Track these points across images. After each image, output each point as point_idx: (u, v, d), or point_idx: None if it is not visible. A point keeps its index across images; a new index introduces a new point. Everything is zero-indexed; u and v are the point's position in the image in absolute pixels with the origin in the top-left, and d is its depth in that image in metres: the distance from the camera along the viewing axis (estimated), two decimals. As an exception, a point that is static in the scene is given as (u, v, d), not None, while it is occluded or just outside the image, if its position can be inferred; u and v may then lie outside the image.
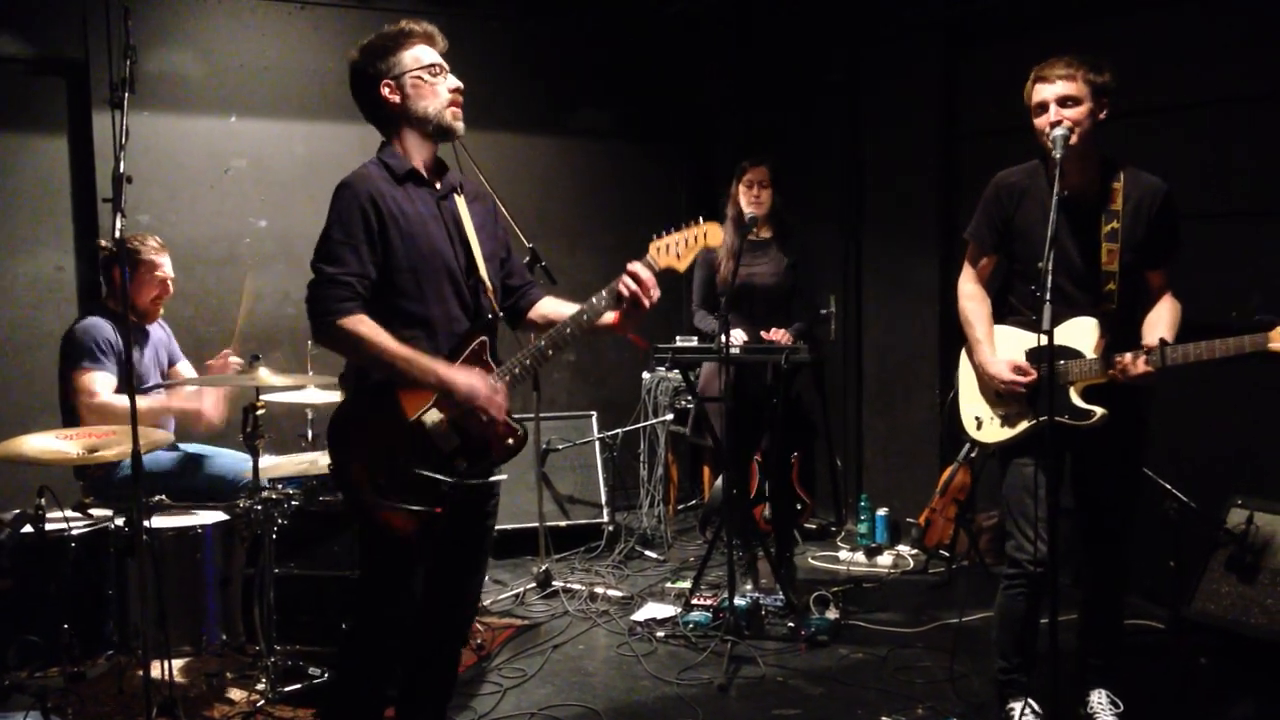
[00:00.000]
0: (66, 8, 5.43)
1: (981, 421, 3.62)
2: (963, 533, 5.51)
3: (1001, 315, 3.65)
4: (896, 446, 6.28)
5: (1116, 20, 4.93)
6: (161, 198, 5.71)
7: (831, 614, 4.74)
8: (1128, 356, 3.28)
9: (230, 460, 4.55)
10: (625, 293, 2.90)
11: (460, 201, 3.02)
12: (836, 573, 5.62)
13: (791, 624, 4.66)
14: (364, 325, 2.76)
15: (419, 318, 2.87)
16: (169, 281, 4.55)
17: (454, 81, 2.96)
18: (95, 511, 3.87)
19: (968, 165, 5.81)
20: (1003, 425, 3.56)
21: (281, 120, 5.98)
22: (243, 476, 4.27)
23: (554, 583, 5.24)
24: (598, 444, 6.31)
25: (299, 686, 3.85)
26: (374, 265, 2.82)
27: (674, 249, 2.99)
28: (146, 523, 3.57)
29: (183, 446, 4.57)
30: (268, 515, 3.89)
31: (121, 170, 2.96)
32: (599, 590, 5.22)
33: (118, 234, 2.95)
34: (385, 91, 2.94)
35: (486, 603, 4.97)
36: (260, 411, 3.91)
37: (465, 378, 2.79)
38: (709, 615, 4.69)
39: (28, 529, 3.60)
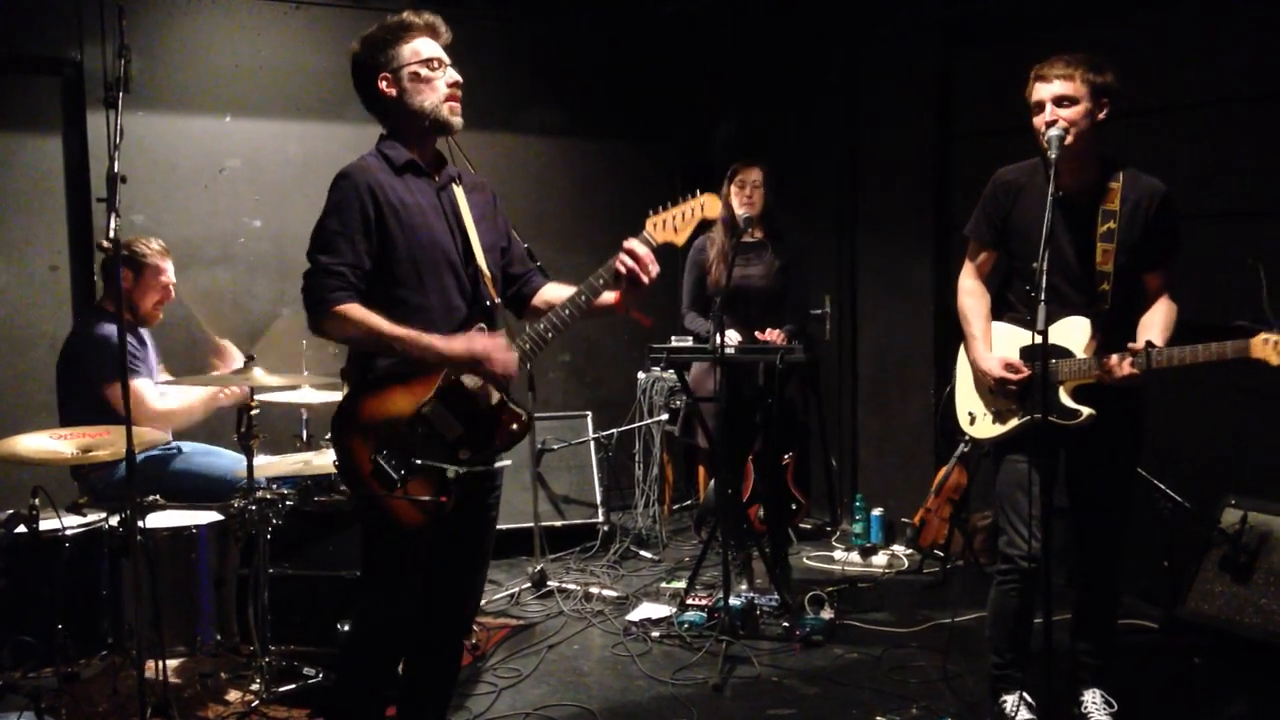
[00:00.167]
0: (61, 7, 5.42)
1: (975, 417, 3.65)
2: (957, 533, 5.52)
3: (1000, 312, 3.66)
4: (891, 446, 6.29)
5: (1115, 20, 4.93)
6: (156, 197, 5.70)
7: (826, 614, 4.74)
8: (1114, 358, 3.29)
9: (225, 460, 4.54)
10: (623, 270, 2.90)
11: (459, 192, 3.02)
12: (831, 572, 5.62)
13: (786, 624, 4.66)
14: (356, 311, 2.76)
15: (419, 308, 2.86)
16: (171, 286, 4.55)
17: (453, 76, 2.95)
18: (89, 511, 3.87)
19: (964, 166, 5.82)
20: (994, 421, 3.59)
21: (276, 120, 5.97)
22: (237, 476, 4.26)
23: (549, 583, 5.24)
24: (593, 444, 6.31)
25: (293, 687, 3.85)
26: (369, 256, 2.82)
27: (672, 223, 2.99)
28: (141, 523, 3.56)
29: (177, 446, 4.56)
30: (262, 515, 3.89)
31: (116, 170, 2.95)
32: (594, 590, 5.22)
33: (112, 234, 2.94)
34: (383, 85, 2.94)
35: (481, 603, 4.96)
36: (254, 411, 3.91)
37: (461, 340, 2.79)
38: (704, 615, 4.70)
39: (21, 529, 3.60)
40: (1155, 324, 3.40)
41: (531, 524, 5.48)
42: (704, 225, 3.10)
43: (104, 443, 3.86)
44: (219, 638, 3.95)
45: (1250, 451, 4.49)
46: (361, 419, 2.82)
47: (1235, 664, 4.14)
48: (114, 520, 3.76)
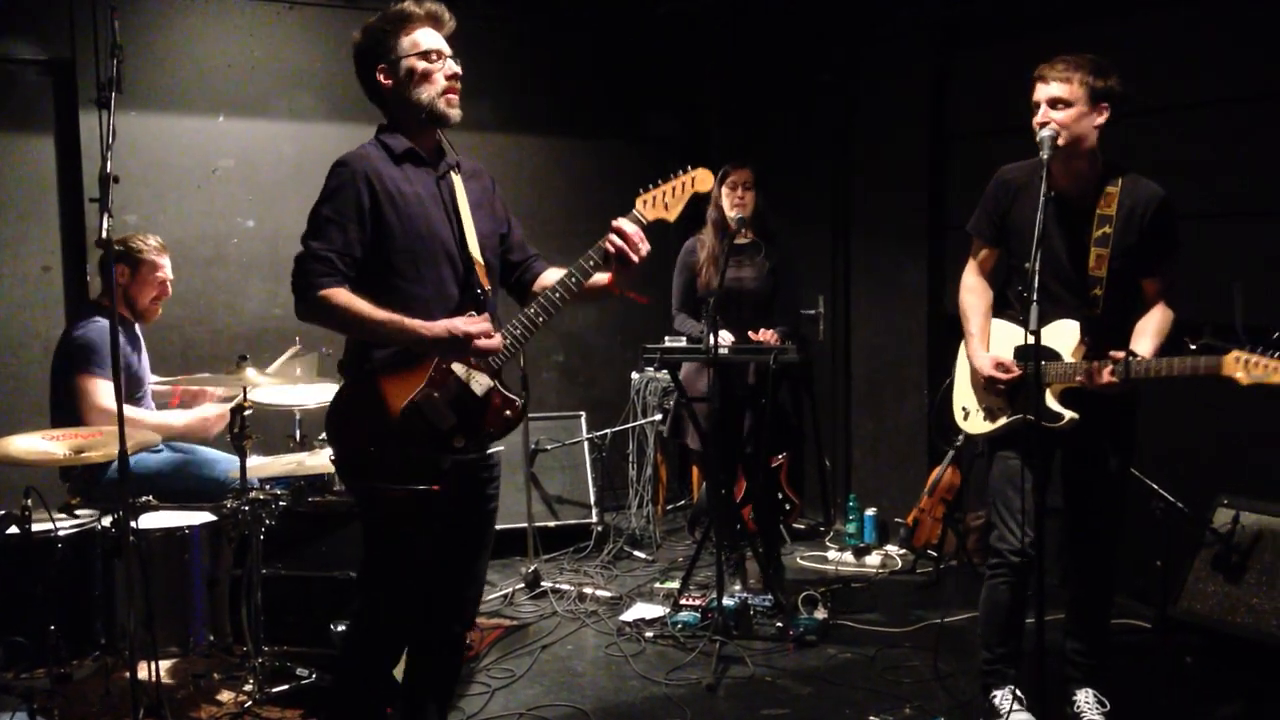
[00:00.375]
0: (53, 7, 5.41)
1: (968, 412, 3.69)
2: (950, 533, 5.53)
3: (1001, 309, 3.68)
4: (885, 447, 6.29)
5: (1114, 21, 4.92)
6: (149, 198, 5.69)
7: (820, 614, 4.74)
8: (1094, 365, 3.31)
9: (218, 461, 4.54)
10: (612, 249, 2.90)
11: (457, 180, 3.01)
12: (825, 573, 5.63)
13: (780, 624, 4.66)
14: (341, 296, 2.76)
15: (416, 298, 2.86)
16: (168, 283, 4.54)
17: (452, 68, 2.94)
18: (82, 512, 3.86)
19: (959, 166, 5.82)
20: (985, 419, 3.63)
21: (269, 120, 5.96)
22: (230, 477, 4.26)
23: (542, 583, 5.24)
24: (586, 444, 6.31)
25: (286, 687, 3.84)
26: (360, 244, 2.81)
27: (662, 199, 2.99)
28: (134, 523, 3.56)
29: (170, 447, 4.56)
30: (255, 516, 3.88)
31: (109, 170, 2.95)
32: (588, 590, 5.22)
33: (104, 234, 2.94)
34: (381, 76, 2.93)
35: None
36: (248, 412, 3.90)
37: (442, 322, 2.78)
38: (697, 615, 4.70)
39: (14, 530, 3.59)
40: (1148, 331, 3.41)
41: (525, 524, 5.48)
42: (697, 199, 3.07)
43: (96, 443, 3.85)
44: (212, 638, 3.94)
45: (1242, 451, 4.50)
46: (356, 410, 2.82)
47: (1228, 663, 4.15)
48: (106, 521, 3.76)
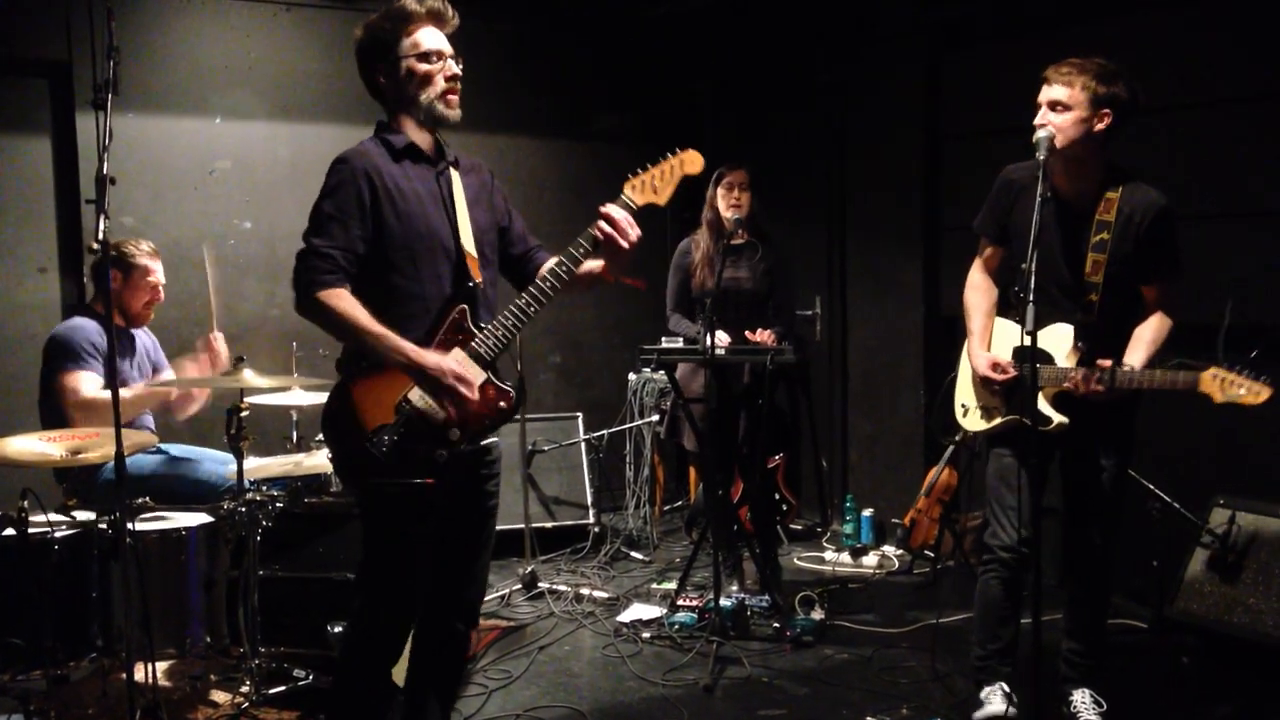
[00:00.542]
0: (49, 9, 5.41)
1: (967, 409, 3.72)
2: (947, 533, 5.53)
3: (1005, 308, 3.70)
4: (882, 447, 6.30)
5: (1110, 21, 4.93)
6: (145, 199, 5.69)
7: (817, 614, 4.75)
8: (1081, 373, 3.33)
9: (214, 462, 4.54)
10: (600, 236, 2.89)
11: (455, 176, 3.01)
12: (822, 573, 5.63)
13: (777, 624, 4.66)
14: (341, 300, 2.75)
15: (415, 295, 2.87)
16: (160, 287, 4.54)
17: (452, 69, 2.93)
18: (79, 514, 3.85)
19: (954, 166, 5.83)
20: (981, 417, 3.67)
21: (266, 122, 5.97)
22: (227, 478, 4.26)
23: (540, 584, 5.24)
24: (583, 445, 6.31)
25: (283, 689, 3.84)
26: (363, 241, 2.81)
27: (651, 183, 2.98)
28: (130, 525, 3.56)
29: (166, 448, 4.56)
30: (252, 517, 3.88)
31: (105, 172, 2.95)
32: (585, 591, 5.22)
33: (101, 236, 2.94)
34: (381, 75, 2.93)
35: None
36: (244, 413, 3.90)
37: (434, 358, 2.77)
38: (694, 616, 4.70)
39: (10, 531, 3.58)
40: (1143, 340, 3.42)
41: (522, 525, 5.48)
42: (687, 181, 3.06)
43: (93, 445, 3.85)
44: (209, 640, 3.94)
45: (1239, 452, 4.51)
46: (351, 407, 2.82)
47: (1224, 663, 4.16)
48: (103, 523, 3.75)
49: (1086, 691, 3.66)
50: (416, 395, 2.80)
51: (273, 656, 3.94)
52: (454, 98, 2.95)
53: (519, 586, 5.23)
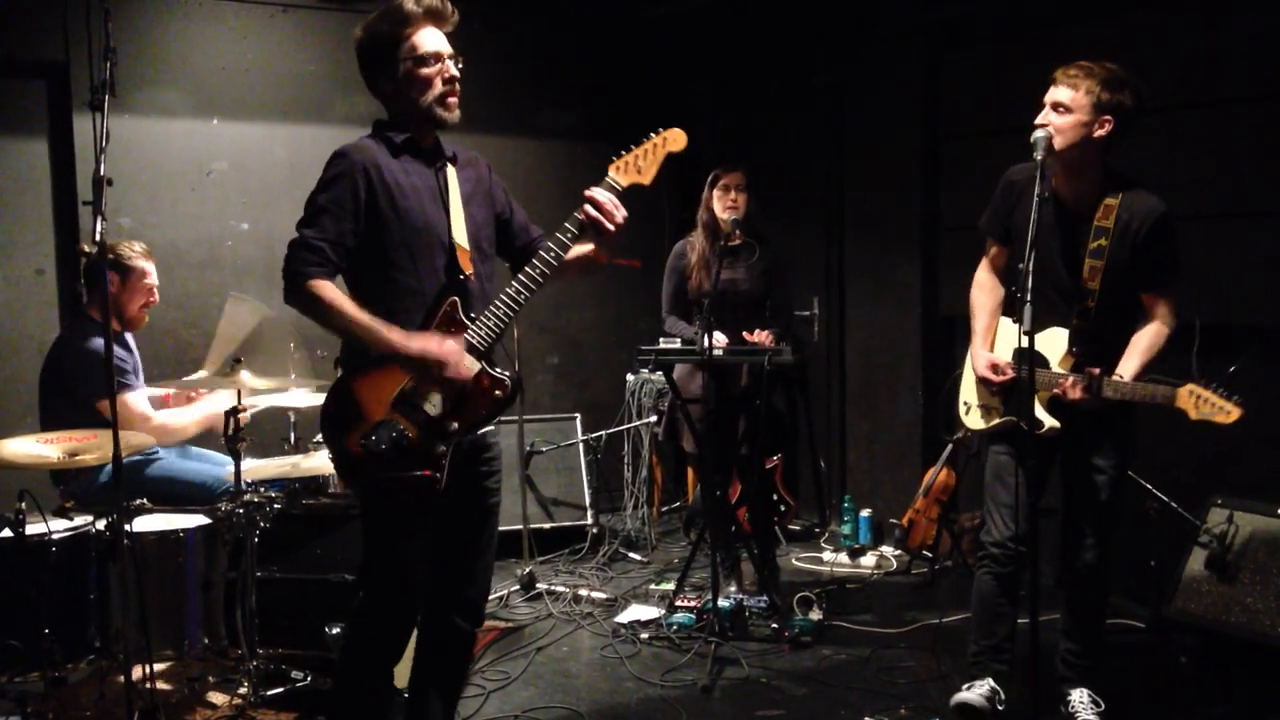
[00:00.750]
0: (46, 10, 5.40)
1: (969, 407, 3.75)
2: (945, 533, 5.53)
3: (1008, 308, 3.71)
4: (880, 448, 6.30)
5: (1108, 21, 4.93)
6: (142, 200, 5.68)
7: (815, 615, 4.75)
8: (1070, 379, 3.34)
9: (212, 464, 4.53)
10: (585, 219, 2.91)
11: (451, 172, 3.01)
12: (820, 574, 5.63)
13: (775, 625, 4.66)
14: (327, 290, 2.76)
15: (412, 290, 2.87)
16: (155, 289, 4.54)
17: (451, 70, 2.93)
18: (76, 516, 3.85)
19: (952, 167, 5.83)
20: (982, 416, 3.70)
21: (263, 123, 5.96)
22: (224, 480, 4.25)
23: (538, 585, 5.23)
24: (582, 446, 6.31)
25: (281, 690, 3.83)
26: (353, 235, 2.82)
27: (635, 164, 3.00)
28: (128, 526, 3.56)
29: (164, 450, 4.55)
30: (250, 519, 3.87)
31: (102, 173, 2.95)
32: (583, 592, 5.22)
33: (98, 237, 2.94)
34: (379, 77, 2.94)
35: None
36: (242, 414, 3.90)
37: (419, 341, 2.77)
38: (693, 617, 4.70)
39: (8, 533, 3.58)
40: (1137, 348, 3.43)
41: (520, 526, 5.48)
42: (671, 159, 3.06)
43: (90, 447, 3.85)
44: (206, 641, 3.94)
45: (1236, 452, 4.51)
46: (348, 405, 2.82)
47: (1221, 663, 4.16)
48: (101, 524, 3.75)
49: (1084, 691, 3.67)
50: (412, 389, 2.81)
51: (271, 658, 3.94)
52: (453, 100, 2.95)
53: (517, 587, 5.22)
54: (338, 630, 3.80)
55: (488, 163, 3.19)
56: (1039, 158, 3.25)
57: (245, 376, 4.01)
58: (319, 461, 4.25)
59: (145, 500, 3.91)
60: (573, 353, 6.93)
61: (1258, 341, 4.38)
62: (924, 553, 5.57)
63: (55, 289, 5.63)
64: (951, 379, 3.90)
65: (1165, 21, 4.76)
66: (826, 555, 5.92)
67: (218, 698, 3.89)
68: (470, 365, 2.83)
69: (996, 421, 3.63)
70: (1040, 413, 3.45)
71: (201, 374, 4.63)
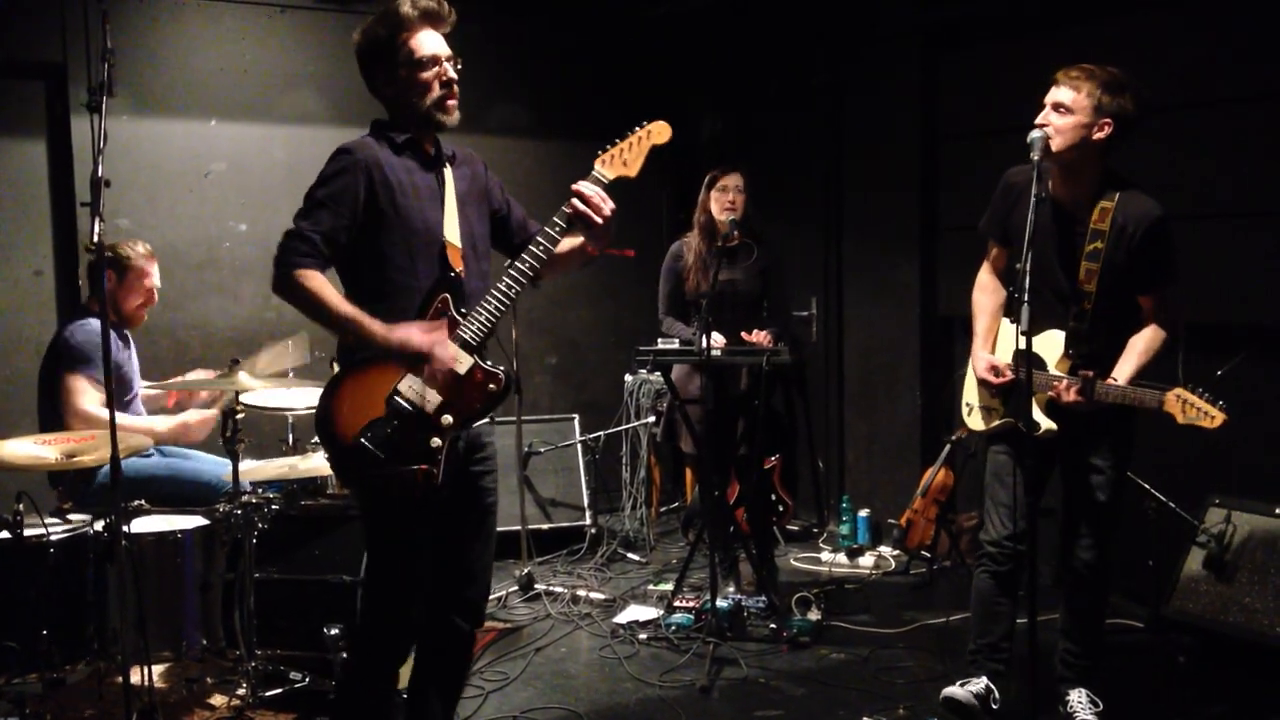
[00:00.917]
0: (44, 11, 5.41)
1: (971, 408, 3.77)
2: (944, 534, 5.54)
3: (1009, 310, 3.72)
4: (878, 448, 6.30)
5: (1106, 21, 4.93)
6: (140, 201, 5.68)
7: (813, 615, 4.75)
8: (1065, 381, 3.35)
9: (210, 465, 4.53)
10: (574, 213, 2.93)
11: (448, 172, 3.02)
12: (818, 574, 5.63)
13: (773, 625, 4.67)
14: (314, 280, 2.78)
15: (409, 288, 2.89)
16: (155, 290, 4.54)
17: (449, 73, 2.94)
18: (74, 517, 3.85)
19: (950, 167, 5.83)
20: (983, 418, 3.72)
21: (261, 124, 5.96)
22: (223, 481, 4.25)
23: (536, 586, 5.23)
24: (580, 447, 6.31)
25: (279, 691, 3.83)
26: (347, 231, 2.83)
27: (621, 157, 3.02)
28: (126, 528, 3.56)
29: (162, 451, 4.55)
30: (248, 520, 3.88)
31: (100, 174, 2.95)
32: (581, 593, 5.22)
33: (95, 238, 2.94)
34: (378, 81, 2.95)
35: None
36: (240, 415, 3.90)
37: (400, 333, 2.78)
38: (691, 617, 4.70)
39: (5, 535, 3.58)
40: (1134, 351, 3.44)
41: (519, 527, 5.48)
42: (656, 152, 3.08)
43: (88, 448, 3.85)
44: (205, 643, 3.94)
45: (1234, 451, 4.51)
46: (343, 403, 2.83)
47: (1220, 662, 4.16)
48: (99, 525, 3.75)
49: (1083, 691, 3.67)
50: (406, 386, 2.82)
51: (269, 659, 3.94)
52: (452, 102, 2.96)
53: (515, 588, 5.22)
54: (336, 631, 3.80)
55: (484, 161, 3.19)
56: (1035, 158, 3.25)
57: (243, 378, 4.01)
58: (317, 463, 4.25)
59: (143, 501, 3.91)
60: (571, 353, 6.93)
61: (1256, 341, 4.38)
62: (922, 553, 5.57)
63: (53, 290, 5.62)
64: (954, 380, 3.91)
65: (1165, 21, 4.77)
66: (825, 555, 5.92)
67: (216, 699, 3.89)
68: (456, 355, 2.84)
69: (997, 423, 3.65)
70: (1038, 414, 3.46)
71: (198, 374, 4.65)
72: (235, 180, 5.91)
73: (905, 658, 4.40)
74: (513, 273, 2.91)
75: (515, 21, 6.59)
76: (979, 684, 3.71)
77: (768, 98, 6.83)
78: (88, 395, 4.23)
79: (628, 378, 6.36)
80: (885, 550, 5.89)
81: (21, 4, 5.39)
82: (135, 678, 3.40)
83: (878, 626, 4.75)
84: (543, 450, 6.10)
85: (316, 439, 4.37)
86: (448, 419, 2.84)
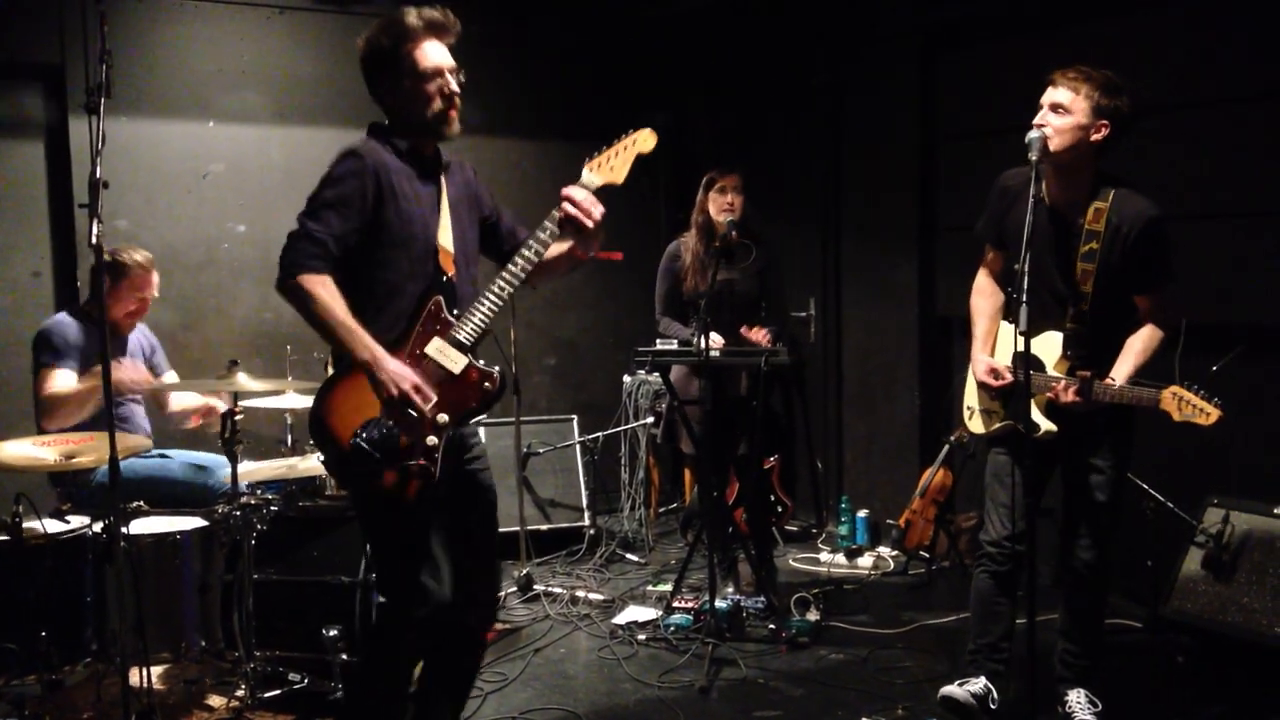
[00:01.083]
0: (42, 13, 5.41)
1: (972, 411, 3.77)
2: (942, 534, 5.54)
3: (1007, 312, 3.73)
4: (877, 448, 6.30)
5: (1105, 22, 4.93)
6: (139, 203, 5.68)
7: (812, 615, 4.75)
8: (1062, 382, 3.36)
9: (209, 466, 4.53)
10: (564, 217, 2.95)
11: (444, 178, 3.04)
12: (817, 574, 5.63)
13: (772, 626, 4.66)
14: (323, 287, 2.77)
15: (403, 292, 2.90)
16: (148, 302, 4.54)
17: (451, 85, 2.95)
18: (73, 518, 3.85)
19: (948, 167, 5.83)
20: (983, 421, 3.72)
21: (259, 125, 5.96)
22: (221, 482, 4.25)
23: (535, 586, 5.23)
24: (579, 447, 6.31)
25: (278, 692, 3.83)
26: (355, 234, 2.84)
27: (608, 163, 3.05)
28: (125, 529, 3.55)
29: (161, 452, 4.55)
30: (246, 521, 3.88)
31: (98, 175, 2.95)
32: (580, 594, 5.22)
33: (94, 240, 2.94)
34: (381, 90, 2.96)
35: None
36: (239, 417, 3.90)
37: (394, 366, 2.79)
38: (690, 618, 4.70)
39: (4, 536, 3.58)
40: (1132, 351, 3.45)
41: (517, 528, 5.48)
42: (641, 160, 3.11)
43: (87, 449, 3.85)
44: (204, 644, 3.94)
45: (1232, 451, 4.51)
46: (337, 404, 2.84)
47: (1218, 662, 4.16)
48: (97, 526, 3.75)
49: (1082, 691, 3.67)
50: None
51: (268, 660, 3.94)
52: (454, 114, 2.98)
53: (514, 589, 5.22)
54: (335, 632, 3.80)
55: (473, 167, 3.21)
56: (1034, 158, 3.26)
57: (242, 379, 4.01)
58: (315, 464, 4.26)
59: (142, 502, 3.91)
60: (569, 354, 6.93)
61: (1254, 340, 4.38)
62: (921, 553, 5.57)
63: (51, 291, 5.62)
64: (955, 384, 3.91)
65: (1164, 21, 4.77)
66: (824, 556, 5.92)
67: (215, 700, 3.89)
68: (457, 360, 2.87)
69: (998, 426, 3.65)
70: (1037, 416, 3.47)
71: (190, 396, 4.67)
72: (233, 181, 5.91)
73: (904, 658, 4.40)
74: (506, 275, 2.93)
75: (515, 22, 6.59)
76: (978, 684, 3.71)
77: (767, 97, 6.83)
78: (50, 379, 4.26)
79: (626, 378, 6.37)
80: (884, 551, 5.89)
81: (20, 5, 5.39)
82: (134, 679, 3.40)
83: (876, 627, 4.75)
84: (541, 451, 6.10)
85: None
86: (443, 417, 2.85)
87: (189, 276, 5.81)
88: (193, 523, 3.98)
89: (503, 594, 5.17)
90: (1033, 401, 3.42)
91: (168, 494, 4.28)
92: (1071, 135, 3.33)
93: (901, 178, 6.00)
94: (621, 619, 4.85)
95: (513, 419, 5.56)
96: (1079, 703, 3.65)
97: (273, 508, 4.01)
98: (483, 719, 3.90)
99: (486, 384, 2.91)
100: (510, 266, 2.94)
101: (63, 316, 4.43)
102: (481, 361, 2.93)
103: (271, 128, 5.98)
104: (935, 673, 4.15)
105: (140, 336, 4.69)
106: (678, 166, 6.96)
